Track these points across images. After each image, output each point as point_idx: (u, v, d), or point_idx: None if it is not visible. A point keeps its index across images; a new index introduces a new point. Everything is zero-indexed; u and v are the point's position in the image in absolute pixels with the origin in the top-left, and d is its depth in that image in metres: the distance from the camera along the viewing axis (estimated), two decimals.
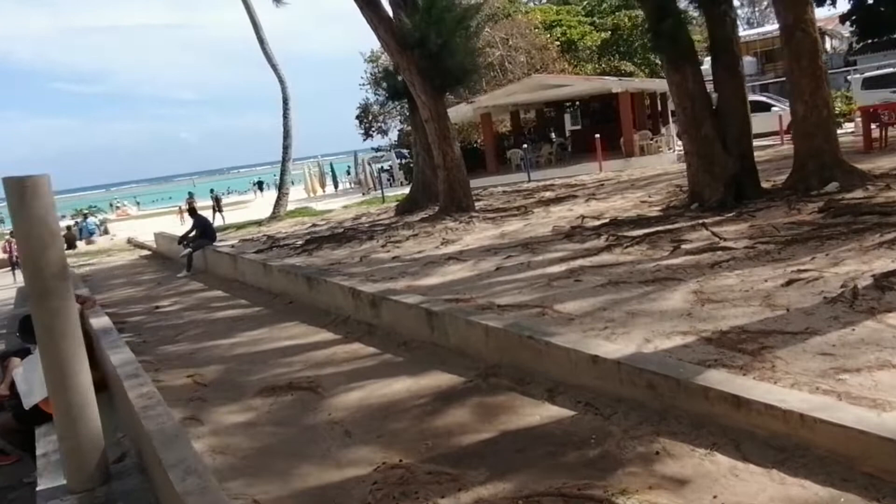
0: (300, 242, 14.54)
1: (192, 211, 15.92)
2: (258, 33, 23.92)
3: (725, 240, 7.61)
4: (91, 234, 28.38)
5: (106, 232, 32.29)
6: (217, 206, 32.64)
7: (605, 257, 8.05)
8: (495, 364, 5.82)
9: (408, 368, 6.35)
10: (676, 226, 8.91)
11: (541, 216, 12.26)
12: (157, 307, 11.69)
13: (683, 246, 7.78)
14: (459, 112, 26.81)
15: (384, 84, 17.87)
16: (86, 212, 31.27)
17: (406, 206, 17.84)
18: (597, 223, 10.26)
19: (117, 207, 58.13)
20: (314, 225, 19.62)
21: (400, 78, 16.95)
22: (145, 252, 21.84)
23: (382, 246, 11.95)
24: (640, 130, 25.88)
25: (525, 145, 25.30)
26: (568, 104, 37.46)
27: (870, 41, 38.63)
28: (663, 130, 26.92)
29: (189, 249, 15.18)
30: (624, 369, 4.60)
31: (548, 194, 15.91)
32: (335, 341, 7.85)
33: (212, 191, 42.01)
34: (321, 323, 8.75)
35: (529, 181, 22.72)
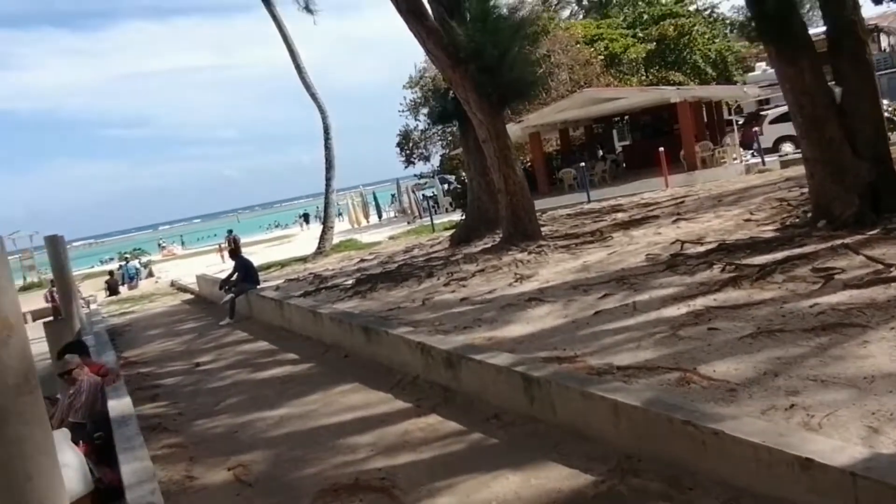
0: (350, 282, 13.21)
1: (234, 252, 14.79)
2: (296, 60, 23.00)
3: (895, 267, 5.98)
4: (132, 278, 27.67)
5: (151, 274, 31.67)
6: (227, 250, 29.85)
7: (733, 294, 6.48)
8: (632, 455, 4.31)
9: (508, 457, 4.88)
10: (809, 249, 7.30)
11: (624, 242, 10.71)
12: (198, 364, 10.44)
13: (837, 276, 6.17)
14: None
15: (433, 105, 16.57)
16: (128, 255, 30.68)
17: (462, 236, 16.42)
18: (700, 249, 8.67)
19: (163, 248, 58.13)
20: (362, 260, 18.34)
21: (451, 97, 15.67)
22: (188, 296, 20.84)
23: (445, 284, 10.53)
24: (700, 141, 24.19)
25: (583, 164, 23.74)
26: (616, 119, 35.91)
27: None
28: (728, 140, 25.13)
29: (231, 295, 13.99)
30: (864, 485, 3.06)
31: (620, 216, 14.34)
32: (405, 412, 6.41)
33: (229, 232, 40.10)
34: (385, 385, 7.35)
35: (589, 201, 21.17)
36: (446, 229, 24.25)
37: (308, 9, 20.83)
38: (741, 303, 6.12)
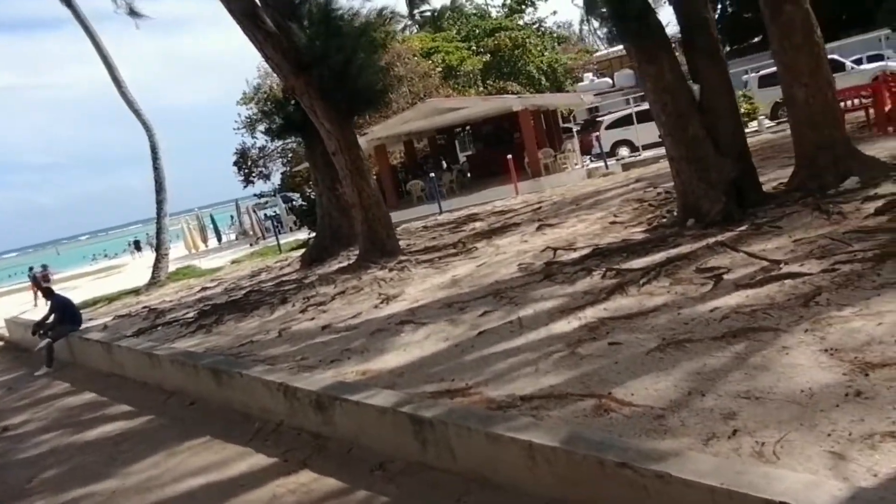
0: (192, 315, 11.78)
1: (48, 291, 12.78)
2: (114, 76, 20.80)
3: (782, 263, 5.79)
4: None
5: None
6: (38, 288, 26.78)
7: (623, 302, 6.05)
8: None
9: None
10: (687, 249, 7.08)
11: (490, 252, 10.21)
12: (6, 429, 8.69)
13: (725, 276, 5.91)
14: None
15: (274, 117, 15.39)
16: None
17: (314, 255, 15.35)
18: (574, 255, 8.30)
19: (29, 276, 51.48)
20: (204, 288, 16.71)
21: (292, 108, 14.62)
22: None
23: (303, 311, 9.50)
24: (542, 149, 24.63)
25: (432, 174, 23.38)
26: (458, 129, 36.17)
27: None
28: (568, 146, 25.79)
29: (48, 339, 12.04)
30: None
31: (479, 225, 13.93)
32: (270, 470, 5.40)
33: (30, 269, 35.78)
34: (242, 436, 6.27)
35: (441, 212, 20.78)
36: (293, 249, 22.94)
37: (133, 12, 18.90)
38: (634, 311, 5.69)
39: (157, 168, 21.02)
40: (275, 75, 39.57)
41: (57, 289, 35.12)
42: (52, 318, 12.33)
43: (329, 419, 5.57)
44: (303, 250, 21.02)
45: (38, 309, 20.05)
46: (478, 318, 6.75)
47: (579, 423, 3.97)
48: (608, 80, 42.26)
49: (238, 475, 5.44)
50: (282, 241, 27.55)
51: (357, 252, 13.54)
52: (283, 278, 13.98)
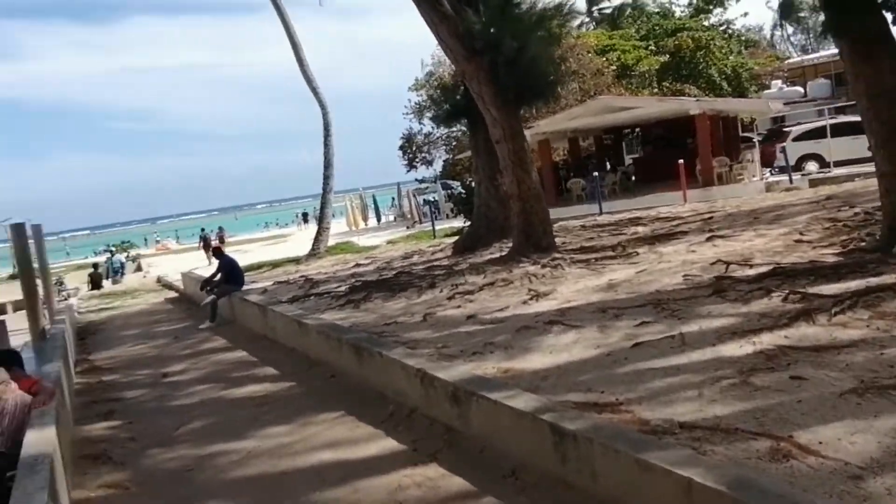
0: (344, 289, 12.01)
1: (218, 251, 13.55)
2: (298, 54, 21.84)
3: None
4: (117, 272, 26.33)
5: (139, 269, 30.37)
6: (206, 248, 29.96)
7: (808, 332, 5.28)
8: None
9: None
10: (893, 279, 6.10)
11: (652, 259, 9.51)
12: (166, 375, 9.22)
13: None
14: None
15: (442, 102, 15.39)
16: (113, 248, 29.31)
17: (466, 244, 15.21)
18: (749, 272, 7.47)
19: (157, 241, 56.83)
20: (358, 264, 17.13)
21: (461, 94, 14.52)
22: (173, 294, 19.61)
23: (449, 298, 9.32)
24: (717, 156, 23.05)
25: (596, 173, 22.61)
26: (627, 130, 34.90)
27: None
28: (748, 156, 23.98)
29: (213, 296, 12.77)
30: None
31: (641, 230, 13.14)
32: (398, 457, 5.20)
33: (202, 230, 40.14)
34: (375, 417, 6.15)
35: (601, 213, 20.00)
36: (447, 236, 23.06)
37: None
38: (824, 344, 4.92)
39: (327, 145, 21.85)
40: (447, 63, 40.10)
41: (230, 251, 37.89)
42: (218, 276, 13.05)
43: (464, 414, 5.28)
44: (456, 238, 21.07)
45: (211, 266, 21.60)
46: (634, 328, 6.19)
47: (751, 466, 3.39)
48: (799, 89, 39.03)
49: (366, 457, 5.30)
50: (437, 227, 27.87)
51: (510, 244, 13.23)
52: (434, 263, 13.96)
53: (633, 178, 28.24)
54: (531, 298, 8.32)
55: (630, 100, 27.48)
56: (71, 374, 8.88)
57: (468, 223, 24.62)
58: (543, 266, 10.43)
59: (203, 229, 40.57)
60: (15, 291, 23.39)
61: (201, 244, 33.13)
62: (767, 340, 5.21)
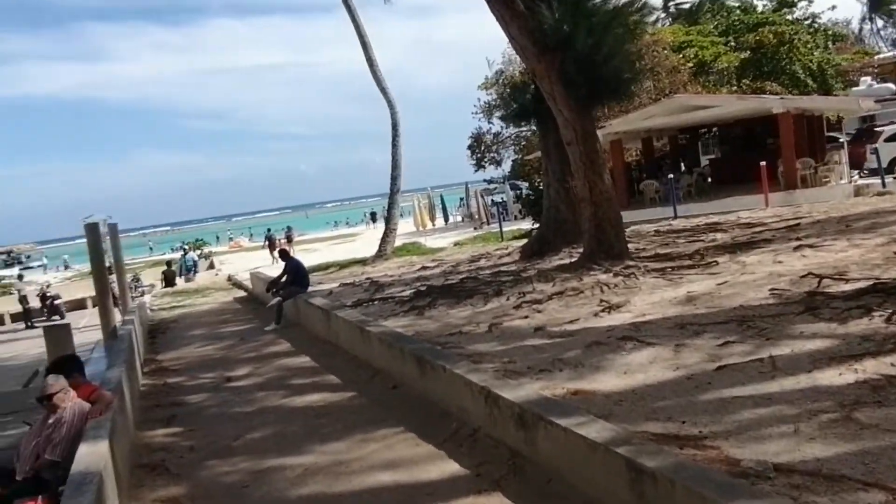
0: (408, 293, 11.80)
1: (284, 254, 13.56)
2: (368, 54, 21.83)
3: None
4: (189, 270, 26.98)
5: (212, 266, 31.06)
6: (272, 247, 31.17)
7: None
8: None
9: None
10: None
11: (734, 270, 8.91)
12: (229, 379, 9.19)
13: None
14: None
15: (511, 102, 15.01)
16: (186, 246, 30.06)
17: (535, 248, 14.80)
18: (846, 287, 6.85)
19: (230, 239, 58.29)
20: (424, 267, 16.93)
21: (531, 93, 14.11)
22: (242, 293, 19.87)
23: (517, 307, 8.96)
24: (800, 158, 21.86)
25: (670, 175, 21.83)
26: (704, 130, 33.68)
27: None
28: (835, 158, 22.68)
29: (279, 298, 12.77)
30: None
31: (721, 236, 12.46)
32: (460, 484, 4.90)
33: (268, 230, 41.53)
34: (437, 434, 5.86)
35: (676, 217, 19.23)
36: (515, 238, 22.67)
37: None
38: None
39: (395, 145, 21.77)
40: (517, 61, 39.58)
41: (299, 249, 38.46)
42: (284, 278, 13.05)
43: (531, 439, 4.94)
44: (524, 240, 20.66)
45: (275, 266, 21.81)
46: (717, 348, 5.71)
47: None
48: (890, 86, 36.92)
49: (427, 481, 5.02)
50: (505, 229, 27.50)
51: (580, 250, 12.76)
52: (501, 268, 13.61)
53: (710, 179, 27.18)
54: (603, 310, 7.89)
55: (708, 98, 26.42)
56: (137, 376, 8.94)
57: (536, 225, 24.17)
58: (616, 275, 9.95)
59: (269, 229, 42.11)
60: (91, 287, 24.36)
61: (266, 243, 34.16)
62: (872, 368, 4.67)
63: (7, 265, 64.96)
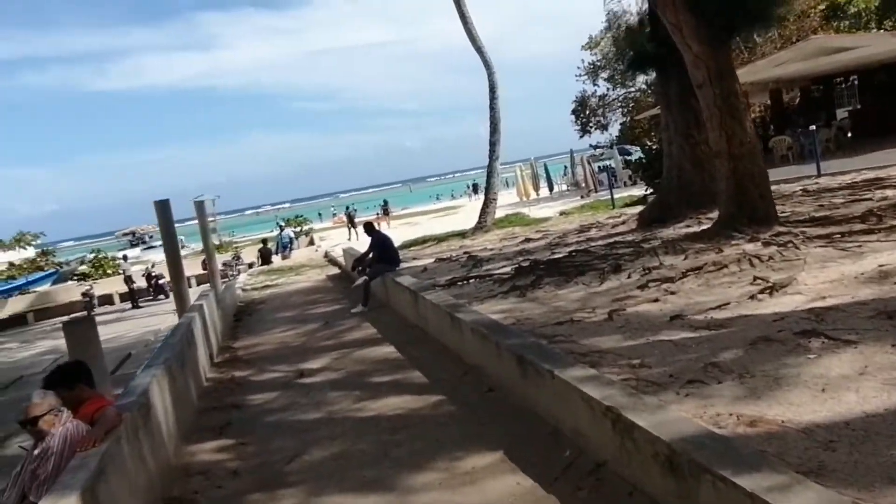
0: (509, 270, 10.24)
1: (370, 227, 12.21)
2: (460, 9, 20.16)
3: None
4: (286, 247, 26.43)
5: (311, 242, 30.58)
6: (351, 224, 31.10)
7: None
8: None
9: None
10: None
11: None
12: (301, 374, 7.93)
13: None
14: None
15: (625, 49, 12.99)
16: (282, 223, 29.64)
17: (654, 214, 12.86)
18: None
19: (333, 215, 58.47)
20: (528, 239, 15.29)
21: (646, 38, 12.09)
22: (336, 270, 18.90)
23: (642, 287, 7.21)
24: None
25: (812, 127, 19.04)
26: (839, 80, 30.00)
27: None
28: None
29: (365, 278, 11.50)
30: None
31: (892, 193, 10.12)
32: None
33: (347, 208, 43.19)
34: (546, 469, 4.29)
35: (819, 175, 16.60)
36: (627, 205, 20.56)
37: None
38: None
39: (493, 108, 20.09)
40: (624, 18, 36.70)
41: (399, 223, 37.78)
42: (370, 255, 11.77)
43: (686, 493, 3.28)
44: (639, 208, 18.58)
45: (358, 243, 20.77)
46: None
47: None
48: None
49: None
50: (615, 196, 25.37)
51: (712, 216, 10.77)
52: (617, 238, 11.79)
53: (849, 133, 23.91)
54: (762, 291, 6.02)
55: (852, 38, 23.10)
56: (198, 372, 7.85)
57: (650, 191, 21.99)
58: (766, 244, 7.98)
59: (347, 206, 44.05)
60: (194, 267, 24.10)
61: (346, 219, 34.19)
62: None
63: (132, 245, 68.39)
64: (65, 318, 22.41)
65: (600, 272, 8.44)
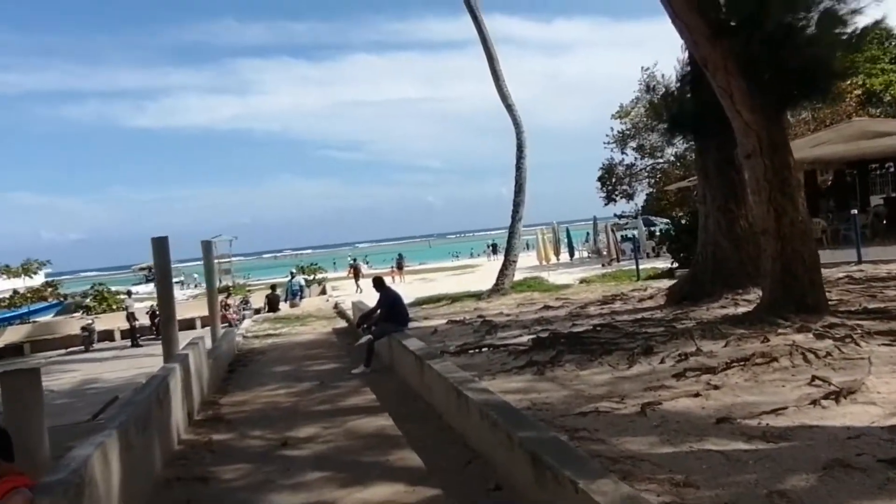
0: (526, 340, 9.36)
1: (379, 283, 11.38)
2: (493, 67, 19.75)
3: None
4: (295, 294, 25.63)
5: (323, 292, 29.80)
6: (356, 276, 30.66)
7: None
8: None
9: None
10: None
11: None
12: (285, 444, 7.02)
13: None
14: None
15: (662, 111, 12.31)
16: (293, 270, 28.89)
17: (684, 291, 11.97)
18: None
19: (349, 265, 57.83)
20: (547, 307, 14.40)
21: (687, 98, 11.41)
22: (343, 324, 18.05)
23: (677, 376, 6.29)
24: None
25: (854, 211, 18.21)
26: (874, 166, 29.31)
27: None
28: None
29: (369, 336, 10.64)
30: None
31: None
32: None
33: (353, 260, 44.69)
34: None
35: (860, 261, 15.68)
36: (651, 277, 19.65)
37: None
38: None
39: (519, 168, 19.46)
40: (652, 90, 36.37)
41: (414, 279, 36.83)
42: (377, 313, 10.94)
43: None
44: (665, 282, 17.67)
45: (364, 296, 19.94)
46: None
47: None
48: None
49: None
50: (639, 267, 24.47)
51: (748, 297, 9.91)
52: (644, 314, 10.89)
53: (885, 221, 23.02)
54: (825, 396, 5.09)
55: (893, 123, 22.38)
56: (171, 435, 6.96)
57: (676, 264, 21.10)
58: (819, 336, 7.06)
59: (355, 259, 45.14)
60: (202, 307, 23.34)
61: (351, 272, 33.87)
62: None
63: (147, 280, 67.78)
64: (62, 350, 21.76)
65: (629, 353, 7.53)
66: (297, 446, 6.91)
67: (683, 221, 22.23)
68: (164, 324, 9.60)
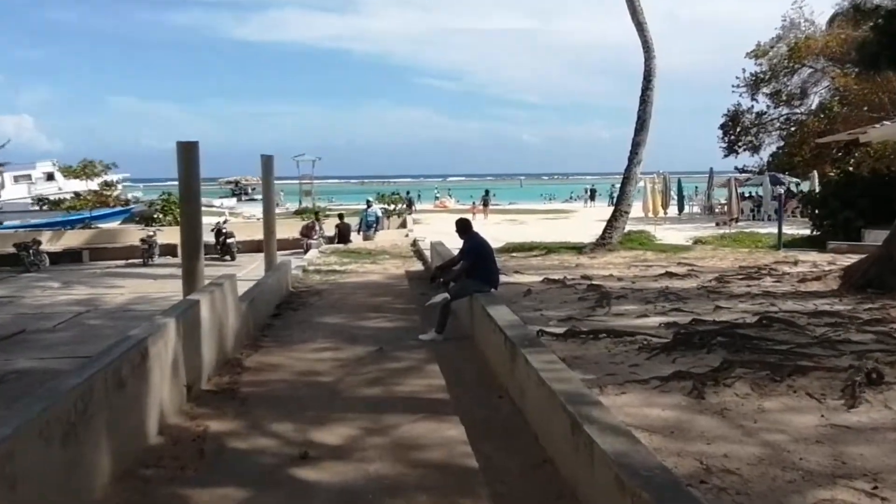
0: (658, 326, 6.74)
1: (464, 226, 8.70)
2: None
3: None
4: (370, 226, 23.35)
5: (403, 225, 27.57)
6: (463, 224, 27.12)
7: None
8: None
9: None
10: None
11: None
12: (305, 456, 4.71)
13: None
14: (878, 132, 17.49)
15: (869, 31, 9.00)
16: (370, 199, 26.51)
17: (869, 275, 8.95)
18: None
19: (436, 198, 55.58)
20: (669, 273, 11.59)
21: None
22: (419, 266, 15.73)
23: None
24: None
25: None
26: None
27: None
28: None
29: (445, 295, 8.18)
30: None
31: None
32: None
33: (408, 192, 45.46)
34: None
35: None
36: (787, 245, 16.38)
37: None
38: None
39: (644, 100, 16.27)
40: (799, 25, 31.52)
41: (502, 219, 33.93)
42: (459, 264, 8.46)
43: None
44: (815, 255, 14.47)
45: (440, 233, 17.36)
46: None
47: None
48: None
49: None
50: (762, 231, 21.13)
51: None
52: (816, 302, 8.02)
53: None
54: None
55: None
56: (145, 424, 4.76)
57: (815, 231, 17.86)
58: None
59: (408, 191, 47.33)
60: (286, 229, 21.39)
61: (440, 204, 31.50)
62: None
63: (234, 194, 67.52)
64: (121, 262, 20.37)
65: (831, 372, 4.81)
66: (319, 464, 4.60)
67: (836, 181, 18.60)
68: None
